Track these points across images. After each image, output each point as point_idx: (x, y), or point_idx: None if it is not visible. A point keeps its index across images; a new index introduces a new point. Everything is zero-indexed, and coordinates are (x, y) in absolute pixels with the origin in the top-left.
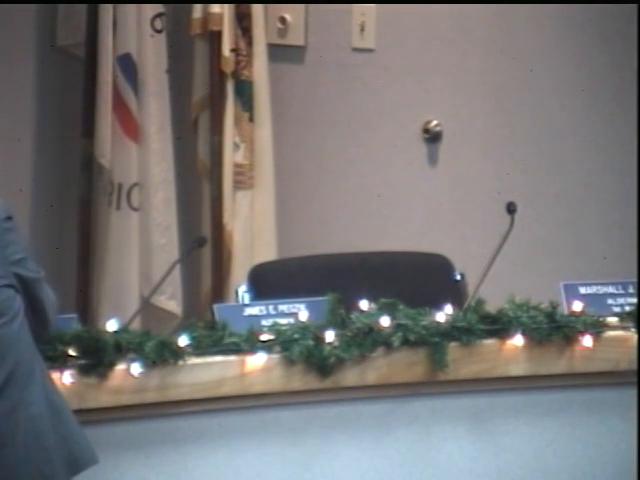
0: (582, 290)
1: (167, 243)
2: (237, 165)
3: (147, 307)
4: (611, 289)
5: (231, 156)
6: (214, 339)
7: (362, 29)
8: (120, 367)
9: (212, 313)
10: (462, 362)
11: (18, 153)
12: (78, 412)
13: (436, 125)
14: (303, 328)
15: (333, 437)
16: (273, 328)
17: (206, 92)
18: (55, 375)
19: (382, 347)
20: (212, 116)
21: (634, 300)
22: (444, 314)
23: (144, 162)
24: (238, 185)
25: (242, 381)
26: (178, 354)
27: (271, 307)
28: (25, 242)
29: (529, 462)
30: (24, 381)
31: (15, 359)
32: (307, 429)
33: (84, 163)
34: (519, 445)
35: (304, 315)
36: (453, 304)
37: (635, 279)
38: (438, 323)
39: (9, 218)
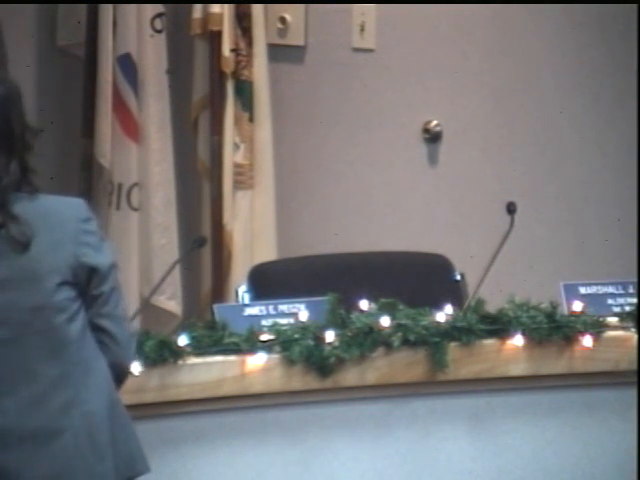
0: (582, 290)
1: (167, 243)
2: (237, 165)
3: (147, 307)
4: (611, 289)
5: (231, 156)
6: (214, 339)
7: (362, 29)
8: None
9: (212, 313)
10: (462, 362)
11: None
12: None
13: (436, 125)
14: (303, 328)
15: (333, 437)
16: (273, 328)
17: (206, 92)
18: None
19: (382, 347)
20: (212, 116)
21: (634, 300)
22: (444, 314)
23: (144, 162)
24: (238, 185)
25: (242, 381)
26: (178, 354)
27: (271, 307)
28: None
29: (529, 462)
30: (80, 380)
31: (71, 358)
32: (307, 429)
33: (84, 163)
34: (519, 445)
35: (304, 315)
36: (453, 304)
37: (635, 279)
38: (438, 323)
39: (89, 219)
